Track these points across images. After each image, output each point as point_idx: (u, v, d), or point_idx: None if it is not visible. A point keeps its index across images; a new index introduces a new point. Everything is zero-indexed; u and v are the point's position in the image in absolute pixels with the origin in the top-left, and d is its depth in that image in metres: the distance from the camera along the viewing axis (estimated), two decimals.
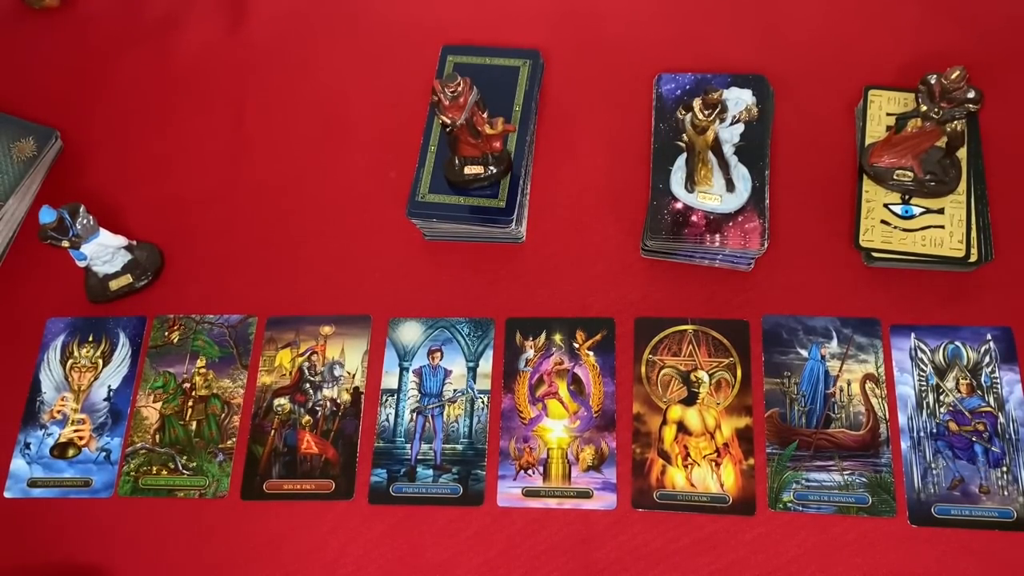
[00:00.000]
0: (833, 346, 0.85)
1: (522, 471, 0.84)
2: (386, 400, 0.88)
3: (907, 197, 0.88)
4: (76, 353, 0.94)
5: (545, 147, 0.98)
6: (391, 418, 0.88)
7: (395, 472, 0.85)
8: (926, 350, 0.84)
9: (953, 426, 0.81)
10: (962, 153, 0.87)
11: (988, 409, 0.81)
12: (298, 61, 1.08)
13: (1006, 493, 0.78)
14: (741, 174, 0.88)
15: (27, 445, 0.90)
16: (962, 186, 0.87)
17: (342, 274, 0.95)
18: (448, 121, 0.85)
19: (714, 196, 0.87)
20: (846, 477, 0.80)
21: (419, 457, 0.86)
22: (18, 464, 0.89)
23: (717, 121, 0.83)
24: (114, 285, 0.95)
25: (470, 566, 0.81)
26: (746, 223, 0.86)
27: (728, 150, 0.88)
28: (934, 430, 0.81)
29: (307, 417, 0.88)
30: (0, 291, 0.98)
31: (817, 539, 0.78)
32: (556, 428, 0.85)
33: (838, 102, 0.96)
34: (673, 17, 1.04)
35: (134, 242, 0.96)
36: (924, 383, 0.83)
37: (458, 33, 1.04)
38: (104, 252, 0.93)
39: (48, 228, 0.88)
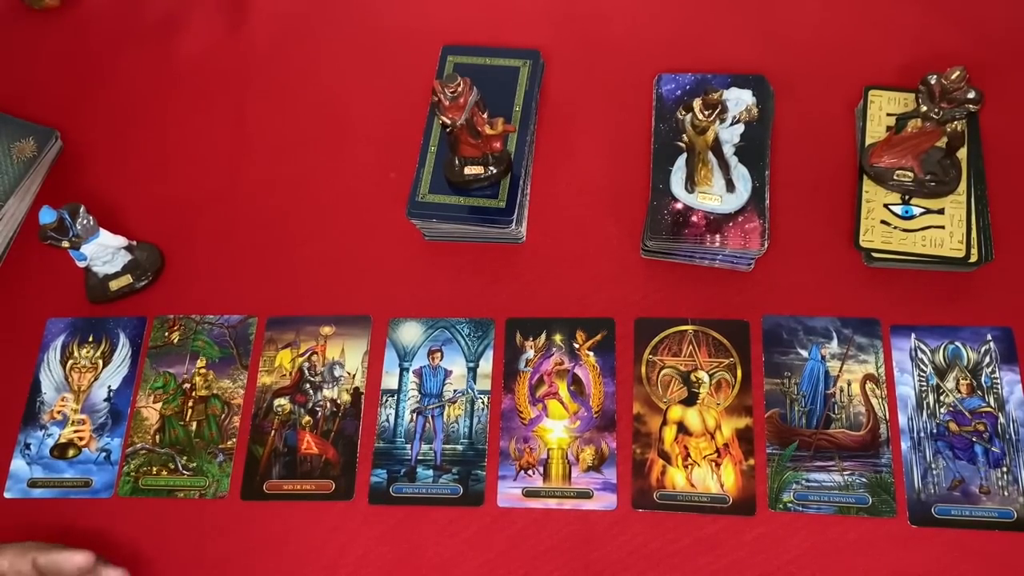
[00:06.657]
0: (833, 346, 0.85)
1: (522, 471, 0.84)
2: (386, 400, 0.88)
3: (907, 197, 0.88)
4: (76, 353, 0.94)
5: (545, 147, 0.98)
6: (391, 418, 0.88)
7: (395, 472, 0.85)
8: (926, 350, 0.84)
9: (953, 426, 0.81)
10: (962, 153, 0.87)
11: (988, 409, 0.81)
12: (298, 61, 1.08)
13: (1006, 493, 0.78)
14: (741, 174, 0.88)
15: (27, 445, 0.90)
16: (962, 186, 0.87)
17: (342, 274, 0.95)
18: (448, 121, 0.85)
19: (714, 196, 0.87)
20: (846, 477, 0.80)
21: (419, 457, 0.86)
22: (18, 464, 0.89)
23: (717, 121, 0.83)
24: (114, 285, 0.95)
25: (470, 566, 0.81)
26: (746, 223, 0.86)
27: (728, 150, 0.88)
28: (934, 430, 0.81)
29: (307, 417, 0.88)
30: (0, 291, 0.98)
31: (817, 539, 0.78)
32: (556, 428, 0.85)
33: (838, 102, 0.96)
34: (673, 17, 1.04)
35: (134, 242, 0.96)
36: (924, 383, 0.83)
37: (458, 33, 1.04)
38: (104, 252, 0.93)
39: (48, 228, 0.88)
